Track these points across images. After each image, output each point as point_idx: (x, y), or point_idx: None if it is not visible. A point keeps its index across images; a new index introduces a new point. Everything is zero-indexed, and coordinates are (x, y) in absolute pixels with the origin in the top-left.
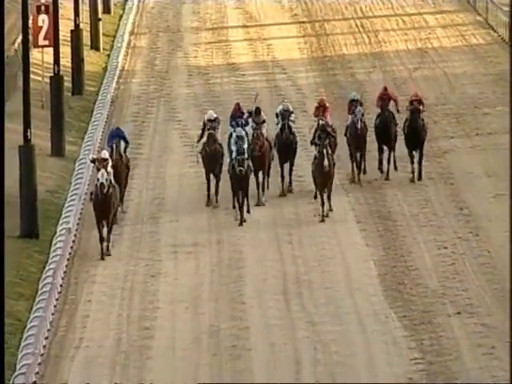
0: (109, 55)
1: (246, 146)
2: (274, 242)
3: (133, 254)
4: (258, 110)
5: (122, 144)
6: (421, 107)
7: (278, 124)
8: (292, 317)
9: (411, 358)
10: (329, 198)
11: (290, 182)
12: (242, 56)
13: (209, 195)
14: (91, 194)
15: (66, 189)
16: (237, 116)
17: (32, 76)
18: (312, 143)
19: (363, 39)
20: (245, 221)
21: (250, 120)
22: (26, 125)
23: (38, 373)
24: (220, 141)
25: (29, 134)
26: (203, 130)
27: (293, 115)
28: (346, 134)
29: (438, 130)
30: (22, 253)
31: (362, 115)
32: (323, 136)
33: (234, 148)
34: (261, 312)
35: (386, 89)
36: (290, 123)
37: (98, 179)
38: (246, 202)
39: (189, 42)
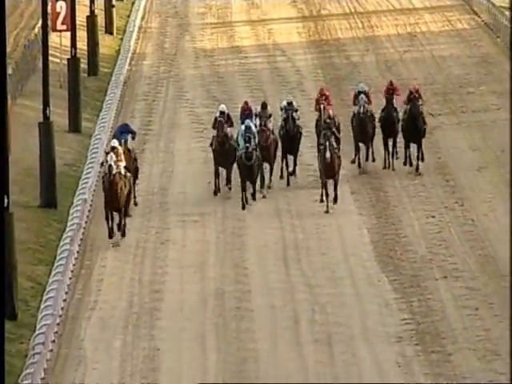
0: (122, 39)
1: (254, 137)
2: (275, 212)
3: (144, 223)
4: (264, 105)
5: (130, 139)
6: (420, 100)
7: (282, 117)
8: (291, 280)
9: (401, 319)
10: (335, 189)
11: (294, 171)
12: (244, 40)
13: (216, 185)
14: (102, 178)
15: (83, 162)
16: (246, 114)
17: (51, 58)
18: (319, 144)
19: (357, 24)
20: (247, 204)
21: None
22: (46, 103)
23: (56, 332)
24: (230, 134)
25: (48, 111)
26: (215, 125)
27: (296, 112)
28: (352, 122)
29: (426, 108)
30: (41, 221)
31: (365, 102)
32: (328, 134)
33: (242, 139)
34: (262, 276)
35: (391, 83)
36: (294, 115)
37: (107, 161)
38: (253, 190)
39: (196, 27)
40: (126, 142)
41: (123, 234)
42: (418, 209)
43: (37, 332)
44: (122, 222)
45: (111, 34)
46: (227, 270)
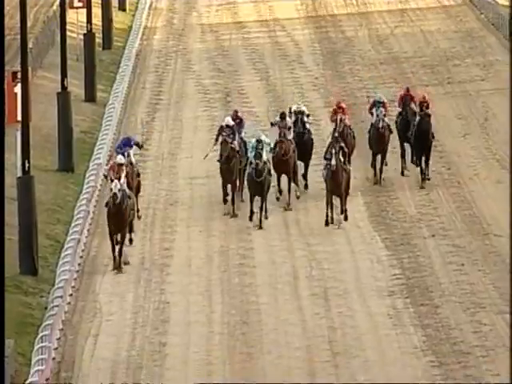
0: (134, 15)
1: (264, 150)
2: (274, 177)
3: (155, 185)
4: (283, 115)
5: (132, 153)
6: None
7: (292, 122)
8: (291, 239)
9: (392, 274)
10: (343, 206)
11: (305, 177)
12: (247, 16)
13: (225, 201)
14: (106, 204)
15: (98, 130)
16: (236, 123)
17: (68, 33)
18: (325, 158)
19: (351, 1)
20: (261, 227)
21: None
22: (63, 75)
23: (73, 286)
24: (236, 146)
25: (65, 82)
26: (218, 136)
27: (308, 117)
28: (369, 132)
29: (415, 80)
30: (59, 184)
31: (384, 115)
32: (337, 149)
33: (252, 153)
34: (264, 235)
35: (408, 89)
36: (307, 125)
37: (111, 189)
38: (264, 207)
39: (202, 4)
40: (128, 155)
41: (120, 254)
42: (408, 173)
43: (56, 286)
44: (122, 248)
45: (124, 10)
46: (231, 229)
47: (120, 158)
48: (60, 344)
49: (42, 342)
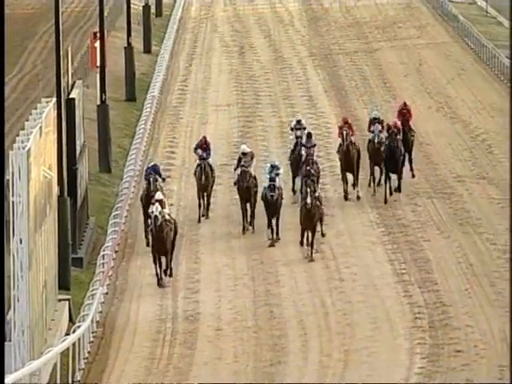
0: None
1: (278, 173)
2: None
3: (191, 112)
4: (309, 135)
5: (159, 179)
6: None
7: (292, 136)
8: (286, 168)
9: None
10: (312, 241)
11: (294, 192)
12: None
13: (244, 224)
14: (148, 226)
15: (152, 72)
16: (202, 148)
17: (132, 5)
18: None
19: None
20: (277, 241)
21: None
22: (128, 34)
23: (136, 180)
24: (254, 173)
25: (130, 40)
26: (239, 162)
27: (305, 130)
28: (367, 147)
29: (371, 38)
30: (126, 110)
31: (380, 132)
32: (310, 184)
33: (267, 176)
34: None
35: (405, 104)
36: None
37: (152, 212)
38: (277, 226)
39: None
40: (155, 180)
41: (171, 275)
42: (363, 99)
43: (124, 180)
44: (169, 267)
45: None
46: (245, 139)
47: (158, 195)
48: (127, 220)
49: (114, 219)
